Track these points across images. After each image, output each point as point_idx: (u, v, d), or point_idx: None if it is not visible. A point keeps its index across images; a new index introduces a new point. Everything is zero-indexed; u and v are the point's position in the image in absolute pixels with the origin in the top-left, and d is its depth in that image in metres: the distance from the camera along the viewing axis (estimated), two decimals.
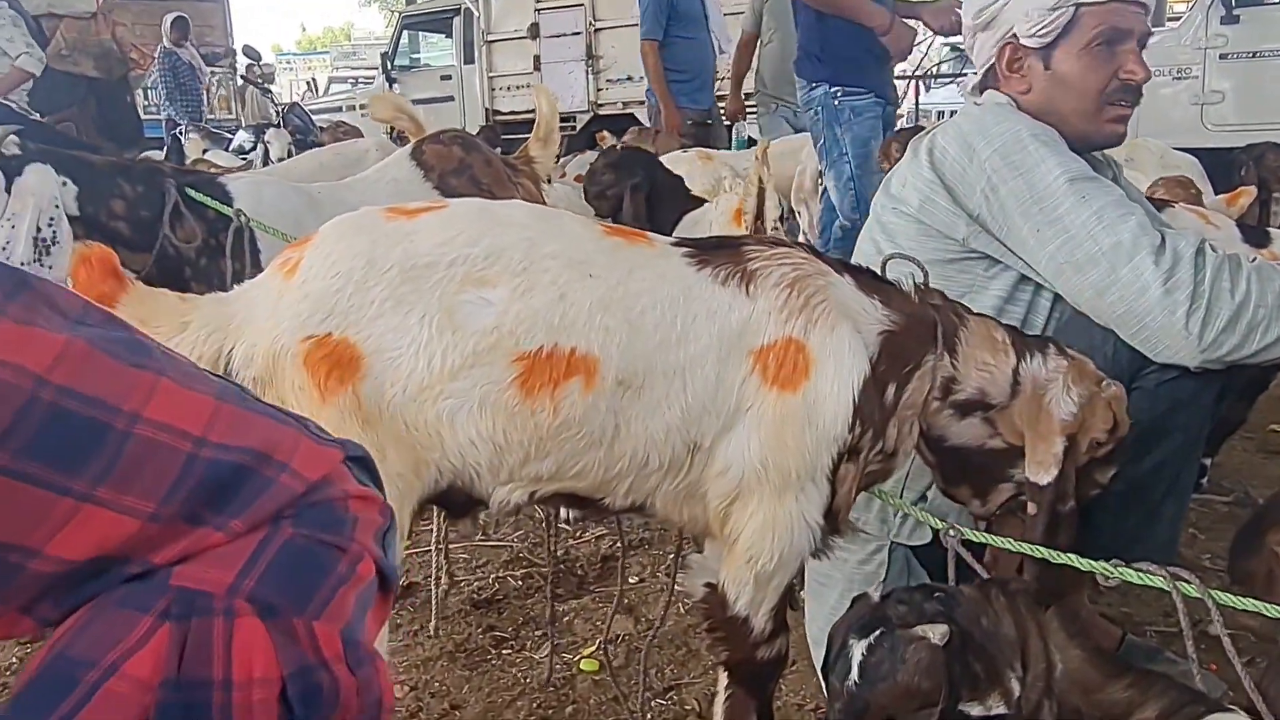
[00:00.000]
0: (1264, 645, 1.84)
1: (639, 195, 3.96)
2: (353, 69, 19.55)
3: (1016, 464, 1.66)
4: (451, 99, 12.63)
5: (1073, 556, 1.56)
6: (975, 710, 1.28)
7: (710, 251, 1.62)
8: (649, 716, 2.18)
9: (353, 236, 1.56)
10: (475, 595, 2.77)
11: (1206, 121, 8.14)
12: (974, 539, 1.66)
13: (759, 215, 3.15)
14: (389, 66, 13.17)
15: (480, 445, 1.50)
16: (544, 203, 3.33)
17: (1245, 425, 3.22)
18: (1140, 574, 1.48)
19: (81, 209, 2.36)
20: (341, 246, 1.54)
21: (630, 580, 2.77)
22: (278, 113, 11.14)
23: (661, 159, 4.63)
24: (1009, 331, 1.67)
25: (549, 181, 3.76)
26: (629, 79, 11.09)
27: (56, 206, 2.16)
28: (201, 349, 1.54)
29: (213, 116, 11.22)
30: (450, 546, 2.91)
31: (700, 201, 4.25)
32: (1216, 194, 5.08)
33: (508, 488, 1.56)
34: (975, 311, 1.70)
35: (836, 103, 4.12)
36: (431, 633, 2.57)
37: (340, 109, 13.21)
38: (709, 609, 1.70)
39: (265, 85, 12.61)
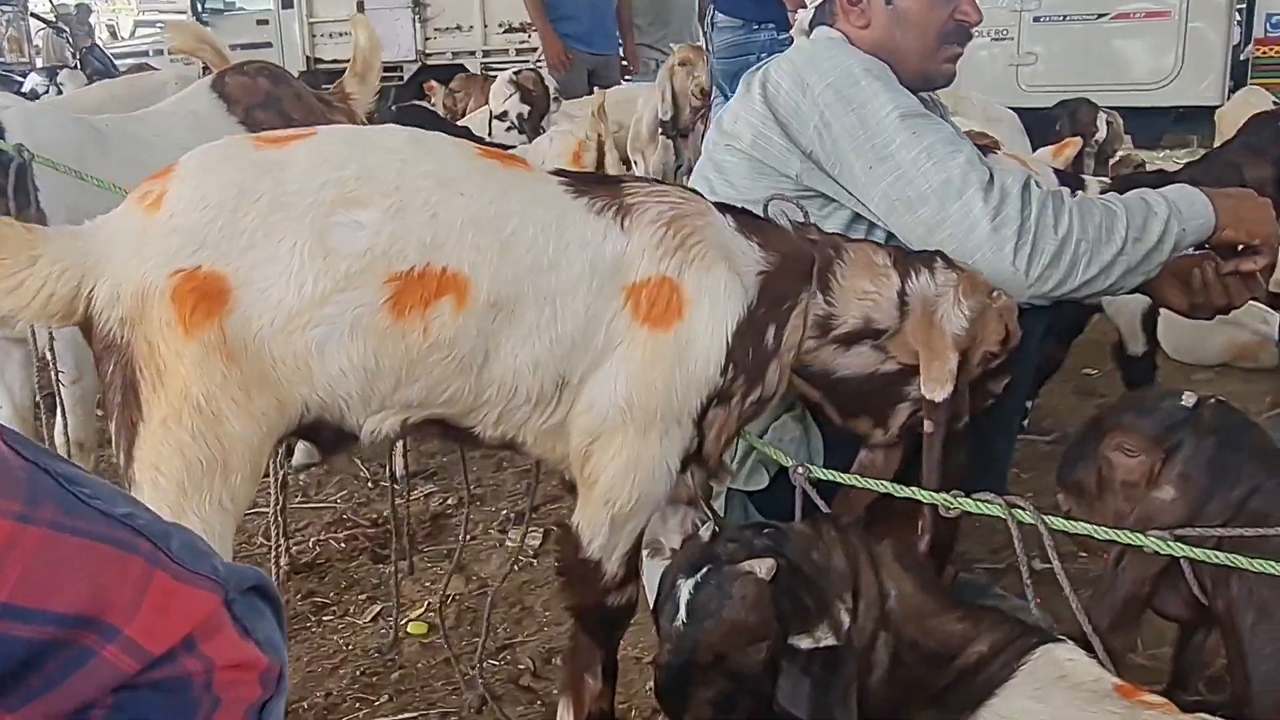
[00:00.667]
0: (1093, 573, 1.87)
1: None
2: (161, 11, 18.21)
3: (911, 382, 1.64)
4: (270, 45, 11.94)
5: (915, 489, 1.57)
6: (804, 643, 1.27)
7: (588, 183, 1.57)
8: (482, 677, 2.07)
9: (221, 167, 1.47)
10: (295, 560, 2.59)
11: (1021, 82, 8.47)
12: (823, 477, 1.65)
13: (599, 168, 3.03)
14: (199, 9, 12.34)
15: (351, 374, 1.44)
16: None
17: (1062, 368, 3.33)
18: (978, 503, 1.52)
19: None
20: (210, 177, 1.45)
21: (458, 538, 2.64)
22: (74, 54, 10.31)
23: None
24: (891, 253, 1.65)
25: (367, 121, 3.54)
26: (458, 28, 10.75)
27: None
28: (55, 286, 1.41)
29: (2, 59, 10.30)
30: (263, 510, 2.72)
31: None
32: (1033, 146, 5.27)
33: (379, 416, 1.50)
34: (855, 239, 1.69)
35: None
36: None
37: (147, 53, 12.35)
38: (561, 551, 1.66)
39: (60, 25, 11.65)
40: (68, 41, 11.56)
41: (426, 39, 10.99)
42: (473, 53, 10.94)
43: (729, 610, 1.29)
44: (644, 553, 1.74)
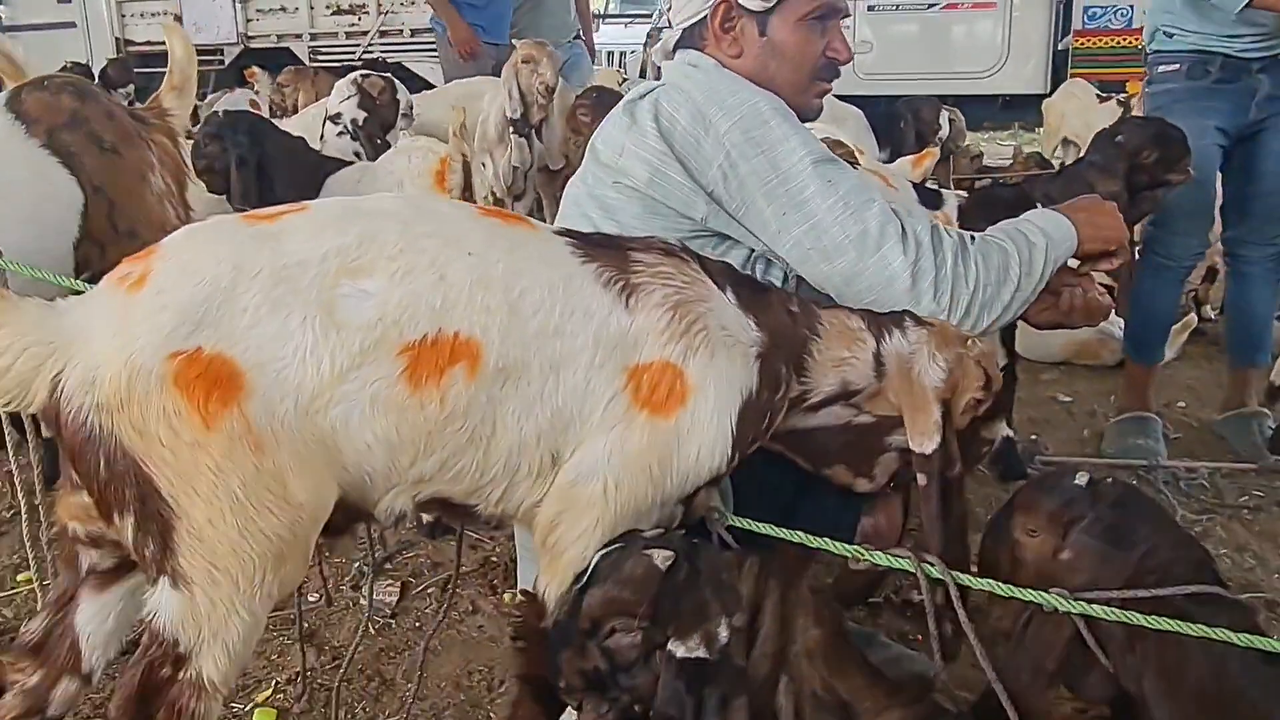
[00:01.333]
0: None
1: (246, 168, 3.51)
2: None
3: (893, 432, 1.65)
4: (73, 25, 11.11)
5: (826, 540, 1.59)
6: (679, 649, 1.32)
7: (594, 247, 1.54)
8: None
9: (211, 243, 1.40)
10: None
11: (858, 71, 8.60)
12: (739, 526, 1.65)
13: (466, 189, 2.82)
14: None
15: (376, 448, 1.39)
16: (182, 159, 2.84)
17: None
18: (889, 557, 1.56)
19: None
20: (200, 252, 1.38)
21: (308, 599, 2.43)
22: None
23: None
24: (863, 317, 1.65)
25: (187, 136, 3.23)
26: (283, 9, 10.24)
27: None
28: (14, 361, 1.32)
29: None
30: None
31: (341, 163, 3.83)
32: (879, 143, 5.31)
33: (394, 492, 1.46)
34: (827, 305, 1.68)
35: None
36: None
37: None
38: (523, 618, 1.56)
39: None
40: None
41: (249, 20, 10.48)
42: (299, 35, 10.42)
43: (613, 580, 1.37)
44: None
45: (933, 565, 1.51)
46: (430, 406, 1.39)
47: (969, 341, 1.65)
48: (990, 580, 1.49)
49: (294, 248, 1.37)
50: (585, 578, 1.40)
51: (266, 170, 3.51)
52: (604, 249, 1.54)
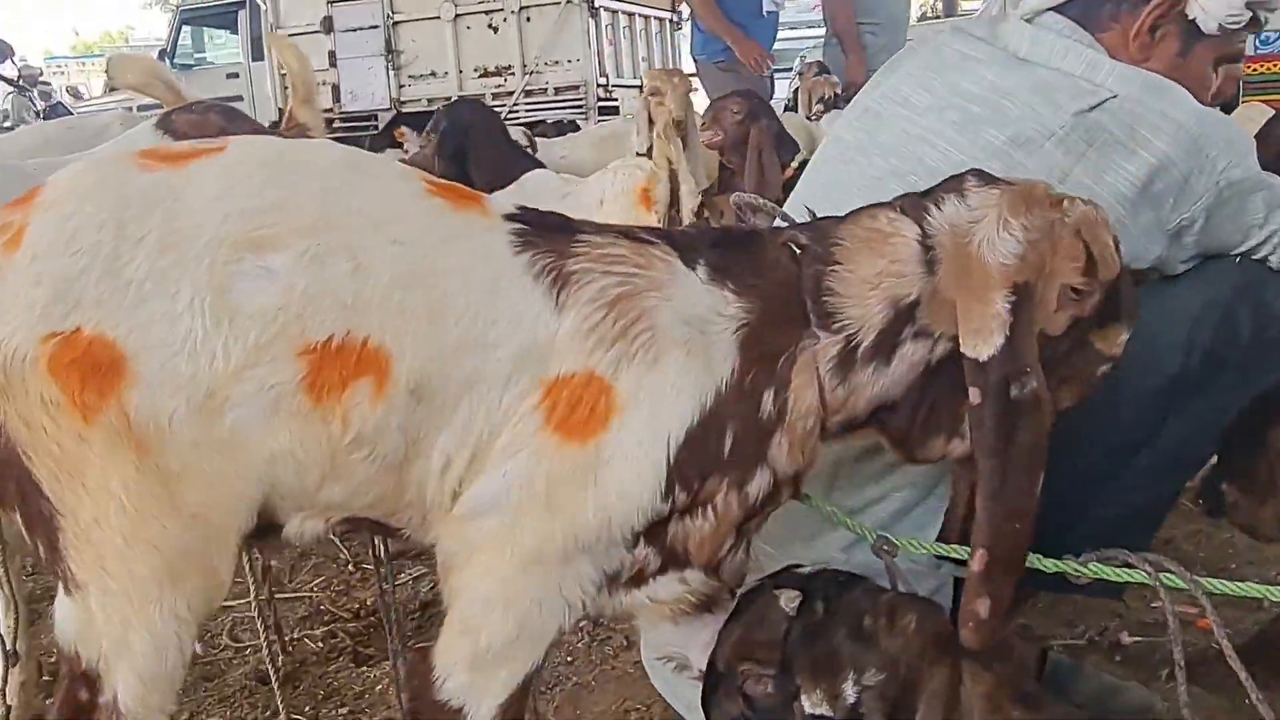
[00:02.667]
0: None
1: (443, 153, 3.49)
2: None
3: None
4: (240, 99, 11.77)
5: (1037, 557, 1.28)
6: (806, 704, 1.22)
7: (541, 233, 1.26)
8: None
9: (95, 194, 1.18)
10: (261, 666, 2.25)
11: None
12: (912, 551, 1.40)
13: (673, 203, 2.62)
14: (169, 65, 12.18)
15: (281, 464, 1.19)
16: None
17: None
18: (1117, 570, 1.28)
19: None
20: (82, 209, 1.16)
21: None
22: (39, 115, 10.04)
23: None
24: (896, 204, 1.28)
25: None
26: (433, 74, 10.60)
27: None
28: None
29: None
30: (230, 604, 2.38)
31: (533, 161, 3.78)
32: None
33: (300, 515, 1.26)
34: (842, 217, 1.31)
35: None
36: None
37: (120, 111, 12.11)
38: (411, 684, 1.31)
39: (23, 85, 11.37)
40: (30, 101, 11.31)
41: (401, 86, 10.84)
42: (448, 98, 10.76)
43: (744, 620, 1.28)
44: (667, 666, 1.47)
45: (1174, 574, 1.24)
46: (333, 425, 1.17)
47: (1065, 203, 1.23)
48: (1258, 586, 1.22)
49: (192, 205, 1.16)
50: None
51: (465, 160, 3.49)
52: (551, 233, 1.27)
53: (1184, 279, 1.59)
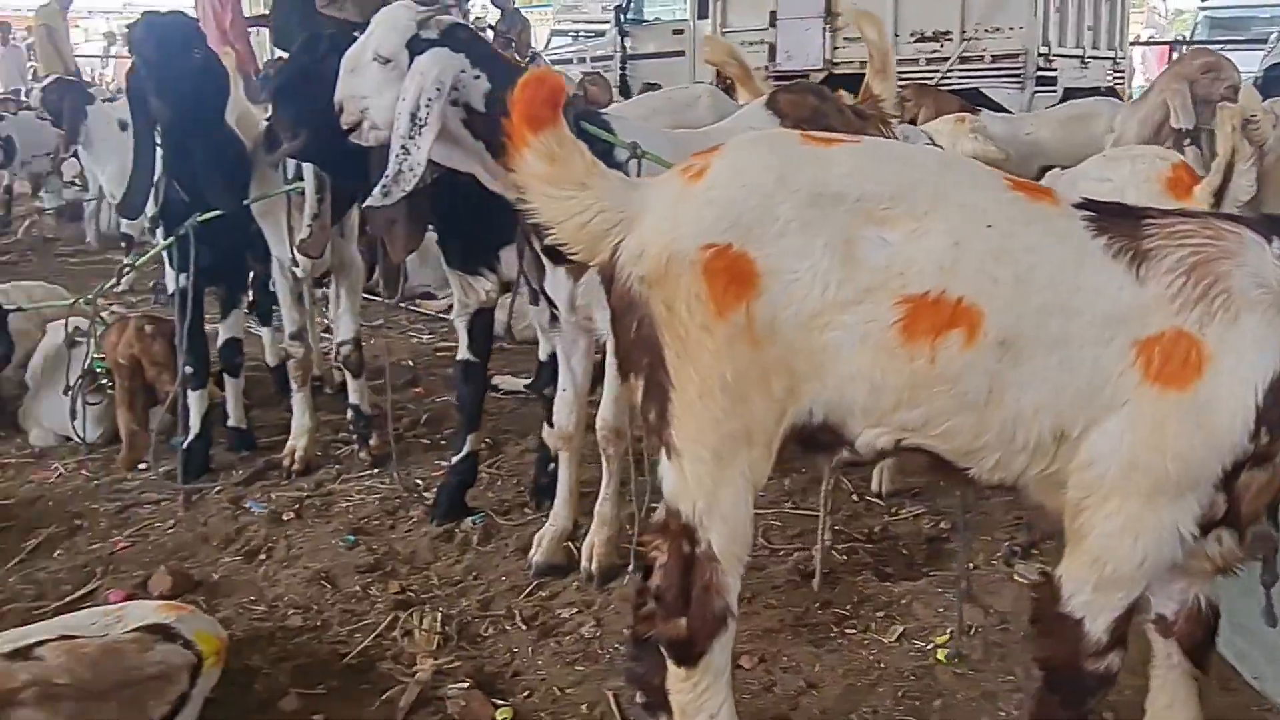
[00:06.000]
0: None
1: None
2: (574, 22, 19.53)
3: None
4: (682, 54, 12.48)
5: None
6: None
7: (1109, 218, 1.52)
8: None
9: (766, 151, 1.59)
10: (800, 567, 2.66)
11: None
12: None
13: (1219, 194, 2.68)
14: (622, 20, 13.13)
15: (859, 382, 1.50)
16: None
17: None
18: None
19: (489, 107, 2.23)
20: (754, 158, 1.57)
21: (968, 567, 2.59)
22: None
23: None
24: None
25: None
26: None
27: (438, 90, 2.12)
28: (589, 219, 1.56)
29: None
30: (760, 512, 2.81)
31: None
32: None
33: (875, 431, 1.55)
34: None
35: None
36: (770, 602, 2.48)
37: (571, 61, 13.25)
38: (1037, 600, 1.62)
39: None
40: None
41: (835, 48, 11.00)
42: None
43: None
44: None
45: None
46: (919, 361, 1.45)
47: None
48: None
49: (836, 178, 1.49)
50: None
51: None
52: (1118, 219, 1.51)
53: None
